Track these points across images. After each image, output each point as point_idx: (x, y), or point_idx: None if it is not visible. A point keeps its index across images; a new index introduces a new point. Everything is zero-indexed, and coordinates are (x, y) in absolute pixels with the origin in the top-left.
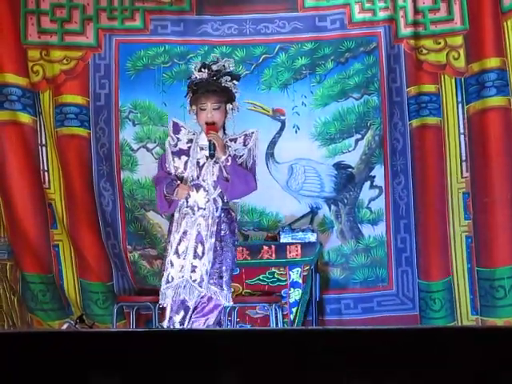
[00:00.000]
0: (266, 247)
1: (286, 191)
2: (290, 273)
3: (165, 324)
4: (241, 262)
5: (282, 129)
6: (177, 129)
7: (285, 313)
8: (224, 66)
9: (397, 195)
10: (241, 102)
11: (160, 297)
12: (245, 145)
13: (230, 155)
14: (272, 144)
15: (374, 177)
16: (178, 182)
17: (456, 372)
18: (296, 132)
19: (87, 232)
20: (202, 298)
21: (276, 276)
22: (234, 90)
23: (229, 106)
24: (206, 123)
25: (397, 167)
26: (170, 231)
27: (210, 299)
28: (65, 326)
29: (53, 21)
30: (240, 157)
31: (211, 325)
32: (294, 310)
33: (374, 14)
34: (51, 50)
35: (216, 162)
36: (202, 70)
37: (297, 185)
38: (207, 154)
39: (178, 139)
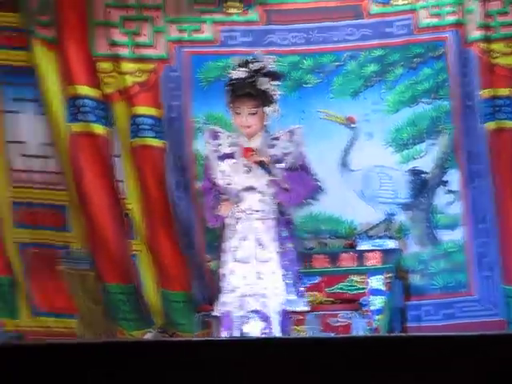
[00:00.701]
0: (344, 254)
1: (361, 199)
2: (369, 280)
3: (225, 334)
4: (320, 269)
5: (355, 137)
6: (214, 136)
7: (367, 320)
8: (265, 64)
9: (474, 199)
10: (312, 111)
11: (218, 306)
12: (290, 141)
13: (281, 167)
14: (346, 152)
15: (449, 181)
16: (224, 196)
17: None
18: (369, 139)
19: (166, 241)
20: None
21: (355, 284)
22: (273, 92)
23: (267, 109)
24: (240, 127)
25: (473, 171)
26: (223, 237)
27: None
28: (147, 336)
29: (123, 33)
30: (288, 154)
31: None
32: (377, 317)
33: (441, 19)
34: (122, 62)
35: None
36: (241, 68)
37: (371, 192)
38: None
39: (219, 144)
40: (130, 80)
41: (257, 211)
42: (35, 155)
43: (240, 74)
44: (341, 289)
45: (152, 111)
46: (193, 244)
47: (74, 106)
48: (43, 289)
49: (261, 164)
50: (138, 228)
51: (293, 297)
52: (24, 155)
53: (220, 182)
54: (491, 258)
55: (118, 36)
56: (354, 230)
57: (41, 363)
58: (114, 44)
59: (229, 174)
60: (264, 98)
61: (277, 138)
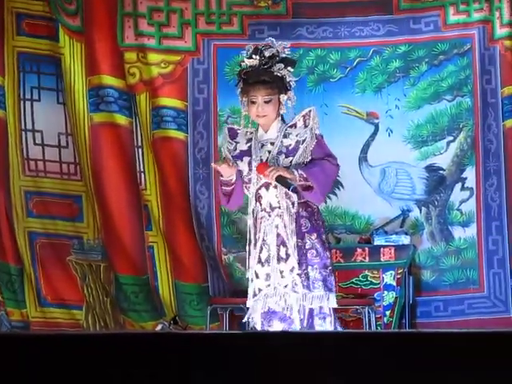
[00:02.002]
0: (359, 250)
1: (378, 194)
2: (384, 276)
3: None
4: (334, 264)
5: (375, 132)
6: (233, 134)
7: (378, 316)
8: (278, 50)
9: (489, 197)
10: (335, 105)
11: (248, 311)
12: (306, 126)
13: (297, 170)
14: (365, 147)
15: (466, 178)
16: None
17: None
18: (389, 135)
19: (183, 233)
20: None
21: (369, 279)
22: (288, 79)
23: (283, 97)
24: (257, 117)
25: (489, 169)
26: (249, 240)
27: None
28: (159, 328)
29: (150, 24)
30: (303, 141)
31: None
32: (387, 312)
33: (468, 16)
34: (148, 52)
35: (280, 153)
36: (253, 56)
37: (389, 187)
38: (269, 149)
39: (237, 143)
40: (155, 71)
41: (276, 207)
42: (50, 144)
43: (253, 61)
44: (355, 284)
45: (176, 103)
46: (210, 237)
47: (98, 95)
48: (52, 279)
49: (279, 180)
50: (155, 219)
51: (319, 292)
52: (39, 144)
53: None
54: (502, 256)
55: (145, 26)
56: (370, 226)
57: (47, 353)
58: (141, 34)
59: (247, 174)
60: (280, 85)
61: (293, 126)
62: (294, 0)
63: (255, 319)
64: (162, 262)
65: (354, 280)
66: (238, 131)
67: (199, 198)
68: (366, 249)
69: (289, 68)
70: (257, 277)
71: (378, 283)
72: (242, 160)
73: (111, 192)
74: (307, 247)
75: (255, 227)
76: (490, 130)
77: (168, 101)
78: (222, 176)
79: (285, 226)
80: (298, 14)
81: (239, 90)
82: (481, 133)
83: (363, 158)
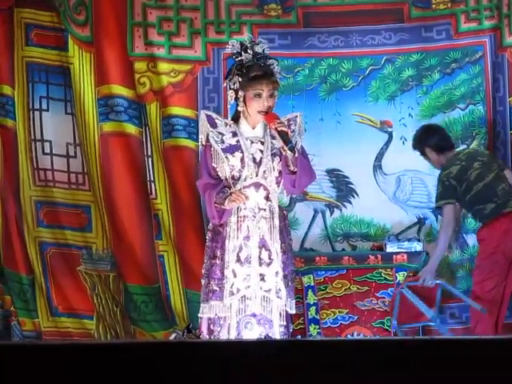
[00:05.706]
0: (372, 257)
1: (394, 202)
2: (397, 274)
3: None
4: (347, 266)
5: (389, 140)
6: (212, 122)
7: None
8: (263, 47)
9: None
10: (348, 114)
11: (216, 309)
12: (291, 131)
13: (297, 147)
14: (380, 156)
15: None
16: (230, 190)
17: None
18: (403, 143)
19: (193, 242)
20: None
21: (383, 275)
22: (278, 76)
23: (276, 93)
24: (260, 111)
25: None
26: (221, 235)
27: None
28: (172, 337)
29: (160, 34)
30: (295, 144)
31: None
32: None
33: (479, 24)
34: (158, 62)
35: (275, 155)
36: (248, 51)
37: (404, 196)
38: (261, 148)
39: (221, 134)
40: (165, 80)
41: (263, 209)
42: (59, 154)
43: (249, 56)
44: (369, 278)
45: (186, 112)
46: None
47: (107, 105)
48: (63, 289)
49: (282, 134)
50: (166, 228)
51: (290, 299)
52: (48, 154)
53: (228, 176)
54: None
55: (154, 36)
56: (386, 234)
57: (59, 363)
58: (150, 44)
59: (240, 169)
60: (277, 82)
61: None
62: (305, 9)
63: (229, 318)
64: (173, 271)
65: (367, 275)
66: (216, 121)
67: None
68: (379, 255)
69: (278, 66)
70: (234, 276)
71: (392, 280)
72: (233, 155)
73: (121, 201)
74: (285, 253)
75: (236, 225)
76: (498, 138)
77: (178, 110)
78: (222, 205)
79: (269, 230)
80: (308, 23)
81: (236, 85)
82: (490, 141)
83: (378, 166)
